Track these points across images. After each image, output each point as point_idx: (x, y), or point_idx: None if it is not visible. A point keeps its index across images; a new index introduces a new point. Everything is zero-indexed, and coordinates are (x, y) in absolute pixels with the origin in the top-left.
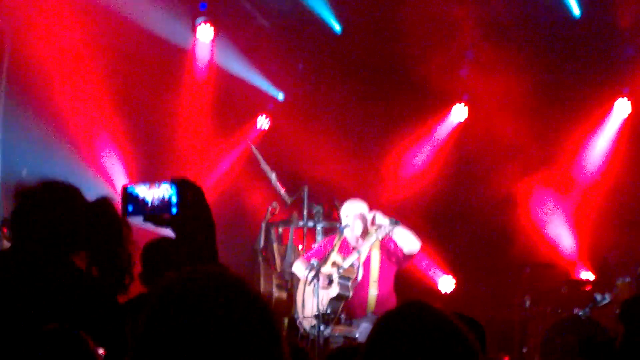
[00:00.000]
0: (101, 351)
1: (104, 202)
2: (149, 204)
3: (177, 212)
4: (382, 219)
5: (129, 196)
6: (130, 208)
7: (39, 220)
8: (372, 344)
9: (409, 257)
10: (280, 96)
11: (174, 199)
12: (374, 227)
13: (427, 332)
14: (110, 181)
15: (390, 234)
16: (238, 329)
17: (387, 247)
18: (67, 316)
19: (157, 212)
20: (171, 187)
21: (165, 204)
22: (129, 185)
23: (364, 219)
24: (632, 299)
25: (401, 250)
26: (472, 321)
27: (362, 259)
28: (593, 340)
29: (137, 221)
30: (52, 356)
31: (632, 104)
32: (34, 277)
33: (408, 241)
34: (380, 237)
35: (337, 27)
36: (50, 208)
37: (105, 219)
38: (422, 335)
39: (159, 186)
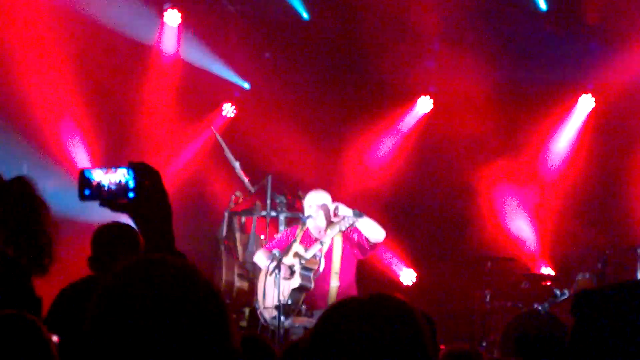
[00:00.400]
0: (55, 338)
1: (20, 182)
2: (106, 188)
3: (133, 197)
4: (345, 210)
5: (85, 180)
6: (86, 192)
7: None
8: (323, 324)
9: (374, 246)
10: (245, 85)
11: (131, 184)
12: (337, 218)
13: (378, 319)
14: (73, 167)
15: (354, 225)
16: (188, 318)
17: (351, 238)
18: None
19: (113, 197)
20: (128, 171)
21: (122, 188)
22: (86, 169)
23: (327, 209)
24: (585, 292)
25: (366, 240)
26: (423, 314)
27: (325, 250)
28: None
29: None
30: (6, 342)
31: (595, 100)
32: None
33: (373, 231)
34: (343, 229)
35: (304, 15)
36: None
37: (20, 199)
38: (373, 321)
39: (115, 170)
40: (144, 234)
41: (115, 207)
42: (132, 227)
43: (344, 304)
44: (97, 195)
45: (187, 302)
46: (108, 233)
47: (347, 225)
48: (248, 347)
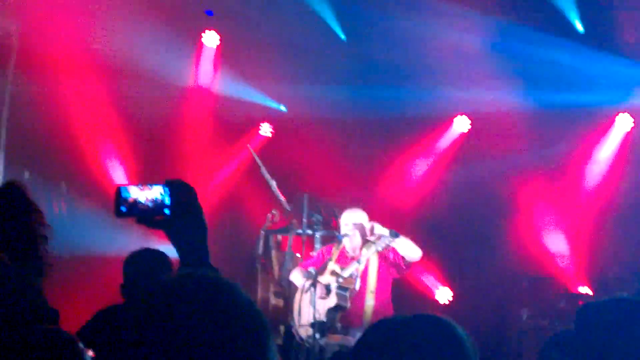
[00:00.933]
0: (90, 353)
1: (11, 187)
2: (142, 205)
3: (169, 213)
4: (381, 229)
5: (121, 197)
6: (122, 209)
7: None
8: (365, 341)
9: (410, 265)
10: (282, 108)
11: (167, 201)
12: (374, 238)
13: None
14: (111, 185)
15: (390, 244)
16: (229, 335)
17: (386, 257)
18: None
19: (149, 214)
20: (164, 188)
21: (158, 205)
22: (122, 186)
23: (362, 228)
24: (587, 304)
25: (402, 259)
26: (468, 335)
27: (361, 269)
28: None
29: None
30: (43, 357)
31: (634, 120)
32: None
33: (409, 250)
34: (380, 249)
35: (342, 36)
36: None
37: (13, 204)
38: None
39: (151, 187)
40: (179, 251)
41: (151, 224)
42: (164, 253)
43: (386, 323)
44: (133, 211)
45: (229, 319)
46: (140, 259)
47: (384, 245)
48: None
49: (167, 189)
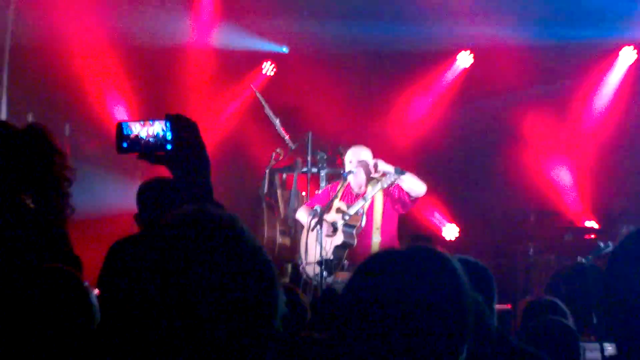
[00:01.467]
0: (96, 291)
1: (33, 129)
2: (143, 141)
3: (171, 148)
4: (385, 166)
5: (122, 133)
6: (124, 144)
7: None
8: (360, 273)
9: (415, 200)
10: (284, 49)
11: (169, 136)
12: (378, 175)
13: (419, 273)
14: (112, 122)
15: (395, 181)
16: (235, 272)
17: (391, 194)
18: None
19: (151, 149)
20: (166, 123)
21: (159, 140)
22: (123, 122)
23: (366, 165)
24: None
25: (407, 195)
26: (478, 265)
27: (366, 206)
28: None
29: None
30: (48, 294)
31: (637, 52)
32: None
33: (414, 186)
34: (385, 186)
35: None
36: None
37: (35, 147)
38: (412, 274)
39: (153, 123)
40: (182, 186)
41: (153, 159)
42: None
43: (381, 255)
44: (135, 147)
45: (234, 256)
46: (153, 188)
47: (390, 182)
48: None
49: (168, 124)
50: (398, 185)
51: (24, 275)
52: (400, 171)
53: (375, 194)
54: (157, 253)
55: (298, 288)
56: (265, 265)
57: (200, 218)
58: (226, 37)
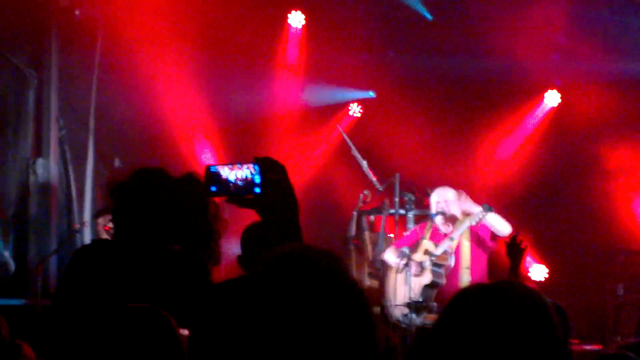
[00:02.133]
0: (185, 332)
1: (190, 178)
2: (232, 184)
3: (260, 192)
4: (470, 203)
5: (212, 176)
6: (213, 188)
7: (139, 213)
8: (452, 307)
9: (497, 239)
10: (371, 93)
11: (257, 179)
12: (464, 213)
13: (510, 307)
14: (200, 166)
15: (482, 220)
16: (339, 305)
17: (477, 232)
18: (173, 304)
19: (240, 193)
20: (254, 167)
21: (248, 184)
22: (212, 166)
23: (453, 204)
24: None
25: (489, 234)
26: (555, 304)
27: (454, 245)
28: None
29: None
30: (134, 333)
31: None
32: (139, 271)
33: (498, 225)
34: (473, 223)
35: (427, 15)
36: (146, 199)
37: (191, 196)
38: (505, 309)
39: (241, 166)
40: (272, 229)
41: (242, 203)
42: None
43: (471, 289)
44: (224, 191)
45: (341, 293)
46: (257, 231)
47: (477, 220)
48: None
49: (257, 167)
50: (483, 224)
51: (112, 317)
52: (488, 208)
53: (463, 233)
54: (267, 292)
55: (390, 329)
56: (365, 304)
57: (305, 255)
58: (313, 97)
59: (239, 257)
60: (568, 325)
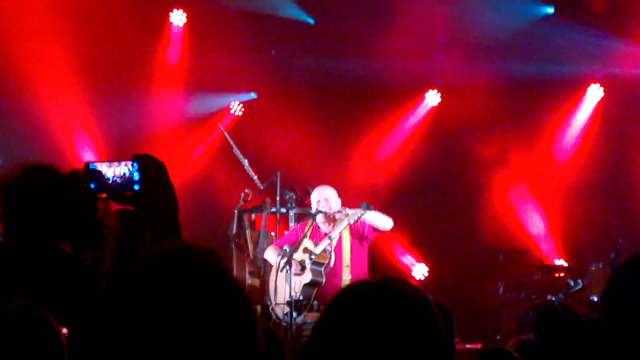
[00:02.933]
0: (64, 330)
1: (77, 175)
2: (111, 181)
3: (138, 189)
4: (351, 210)
5: (91, 173)
6: (92, 185)
7: (27, 212)
8: (335, 305)
9: (377, 232)
10: (252, 95)
11: (136, 176)
12: (344, 212)
13: (392, 305)
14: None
15: (362, 217)
16: (219, 303)
17: (357, 230)
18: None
19: (119, 190)
20: (133, 164)
21: (127, 181)
22: (91, 163)
23: (335, 205)
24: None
25: (370, 228)
26: (439, 302)
27: (334, 244)
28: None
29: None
30: (13, 333)
31: (604, 89)
32: (28, 272)
33: (380, 222)
34: (352, 222)
35: (309, 20)
36: (34, 197)
37: (78, 192)
38: (386, 307)
39: (120, 164)
40: (151, 226)
41: (121, 200)
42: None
43: (354, 287)
44: (103, 188)
45: (221, 291)
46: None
47: (356, 219)
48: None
49: (135, 164)
50: (363, 222)
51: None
52: (367, 206)
53: (343, 231)
54: (144, 288)
55: (278, 329)
56: (246, 301)
57: (186, 253)
58: (195, 105)
59: None
60: (452, 323)
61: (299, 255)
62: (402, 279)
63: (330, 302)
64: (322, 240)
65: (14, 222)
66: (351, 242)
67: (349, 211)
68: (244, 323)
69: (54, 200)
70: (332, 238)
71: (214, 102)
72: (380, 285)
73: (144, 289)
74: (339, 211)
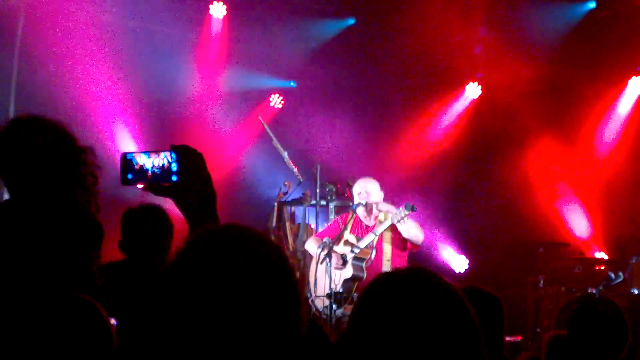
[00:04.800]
0: (113, 321)
1: (59, 128)
2: (149, 172)
3: (176, 180)
4: (387, 206)
5: (128, 164)
6: (129, 176)
7: (33, 168)
8: (364, 299)
9: (412, 246)
10: (292, 83)
11: (174, 167)
12: (390, 209)
13: (422, 295)
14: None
15: (406, 218)
16: (272, 280)
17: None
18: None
19: (157, 181)
20: (171, 154)
21: (165, 171)
22: (128, 153)
23: (376, 197)
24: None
25: (403, 239)
26: (489, 294)
27: (376, 240)
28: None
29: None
30: (65, 324)
31: None
32: (39, 228)
33: (413, 232)
34: (395, 221)
35: (350, 21)
36: (40, 153)
37: (63, 146)
38: (416, 297)
39: (158, 154)
40: (188, 217)
41: (159, 191)
42: (163, 210)
43: (381, 278)
44: (140, 179)
45: (275, 268)
46: (139, 215)
47: (399, 218)
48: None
49: (174, 155)
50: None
51: (42, 304)
52: (411, 206)
53: (386, 227)
54: (201, 267)
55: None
56: (295, 280)
57: (233, 230)
58: (234, 80)
59: (120, 242)
60: (502, 315)
61: (340, 248)
62: (424, 268)
63: (361, 294)
64: (366, 235)
65: (7, 174)
66: (392, 237)
67: (388, 207)
68: (291, 300)
69: (36, 151)
70: (376, 234)
71: (254, 85)
72: (405, 274)
73: (195, 264)
74: (379, 206)
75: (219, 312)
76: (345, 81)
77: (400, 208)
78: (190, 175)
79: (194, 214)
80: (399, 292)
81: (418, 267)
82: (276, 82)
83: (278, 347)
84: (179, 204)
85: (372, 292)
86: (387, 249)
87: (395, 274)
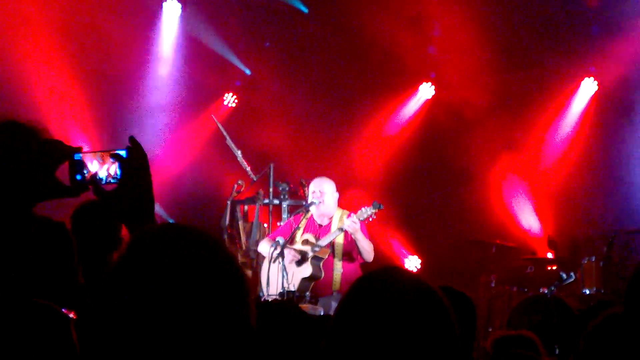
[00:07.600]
0: (71, 315)
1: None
2: (96, 174)
3: (119, 185)
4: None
5: (76, 164)
6: (78, 177)
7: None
8: (345, 304)
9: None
10: (247, 71)
11: (119, 172)
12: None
13: (402, 294)
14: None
15: (372, 215)
16: (217, 276)
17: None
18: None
19: (102, 181)
20: (118, 154)
21: (110, 175)
22: (76, 154)
23: (330, 197)
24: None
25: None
26: (461, 294)
27: (337, 239)
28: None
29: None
30: (31, 332)
31: (597, 83)
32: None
33: (365, 249)
34: (362, 219)
35: (303, 8)
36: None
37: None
38: (397, 296)
39: (103, 158)
40: (127, 221)
41: (102, 194)
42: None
43: (363, 278)
44: (87, 180)
45: (219, 264)
46: (87, 211)
47: (367, 216)
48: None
49: (122, 153)
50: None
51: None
52: (378, 205)
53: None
54: (131, 267)
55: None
56: (242, 276)
57: (174, 227)
58: (187, 78)
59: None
60: (475, 315)
61: (298, 247)
62: (398, 267)
63: (345, 295)
64: (327, 235)
65: None
66: (344, 236)
67: (360, 216)
68: (236, 291)
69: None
70: (342, 230)
71: (208, 90)
72: (382, 274)
73: (136, 262)
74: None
75: (162, 311)
76: (297, 79)
77: (366, 207)
78: (133, 176)
79: (133, 218)
80: (381, 292)
81: (396, 267)
82: (235, 60)
83: (225, 340)
84: (116, 209)
85: (358, 290)
86: (339, 248)
87: (374, 274)
